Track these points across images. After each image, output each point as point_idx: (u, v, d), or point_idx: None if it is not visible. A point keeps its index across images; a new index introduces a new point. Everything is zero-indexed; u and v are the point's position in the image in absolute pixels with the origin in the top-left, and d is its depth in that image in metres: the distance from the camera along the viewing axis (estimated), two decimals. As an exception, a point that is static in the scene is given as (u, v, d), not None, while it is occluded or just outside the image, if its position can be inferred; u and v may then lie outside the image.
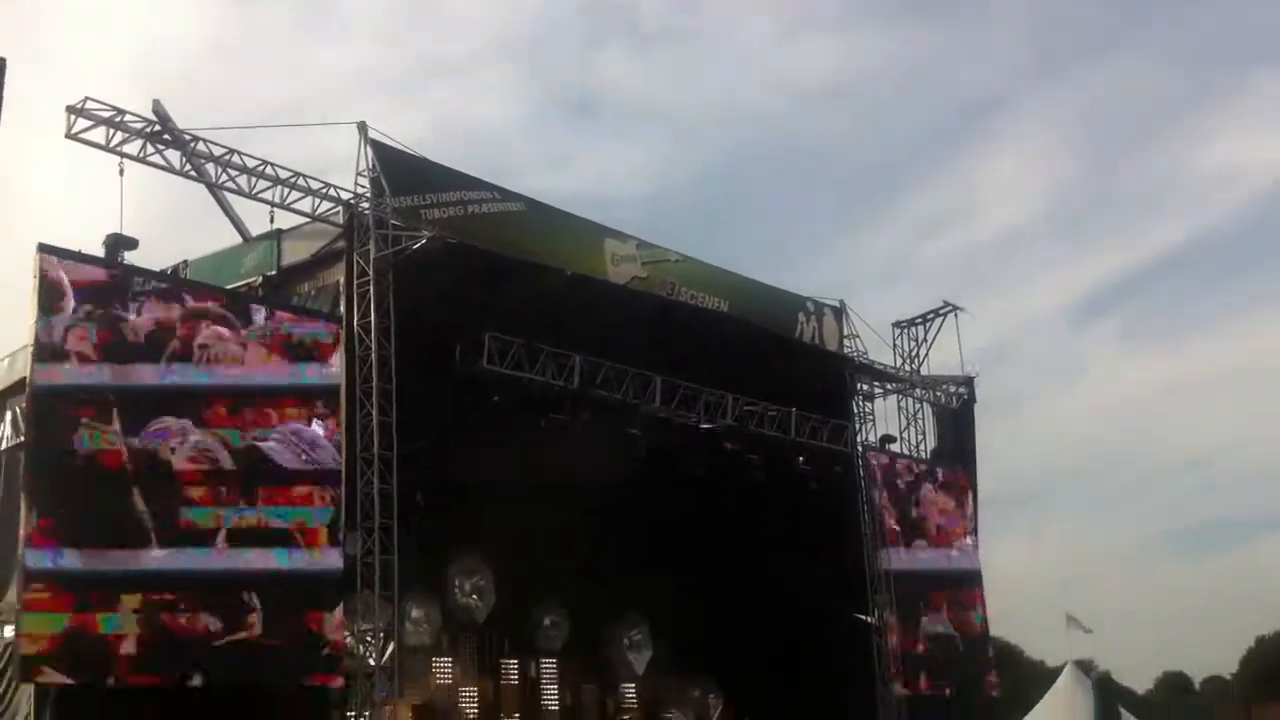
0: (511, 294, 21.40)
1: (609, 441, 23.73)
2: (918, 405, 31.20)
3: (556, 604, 27.35)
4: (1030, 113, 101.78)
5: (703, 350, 24.44)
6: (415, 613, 23.81)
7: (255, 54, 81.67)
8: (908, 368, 30.65)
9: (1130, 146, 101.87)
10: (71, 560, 16.56)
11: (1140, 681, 71.10)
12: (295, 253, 20.92)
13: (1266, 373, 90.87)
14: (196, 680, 17.09)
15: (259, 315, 18.95)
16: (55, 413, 17.08)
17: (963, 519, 30.36)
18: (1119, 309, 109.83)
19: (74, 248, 17.78)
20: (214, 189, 20.09)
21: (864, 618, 28.04)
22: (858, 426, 29.00)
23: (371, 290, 19.82)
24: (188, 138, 19.07)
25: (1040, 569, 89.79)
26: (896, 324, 31.04)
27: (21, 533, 16.61)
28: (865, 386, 29.73)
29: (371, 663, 19.62)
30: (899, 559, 28.30)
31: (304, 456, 18.64)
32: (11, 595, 17.52)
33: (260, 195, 19.93)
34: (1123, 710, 39.40)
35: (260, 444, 18.36)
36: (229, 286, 20.36)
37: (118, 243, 18.18)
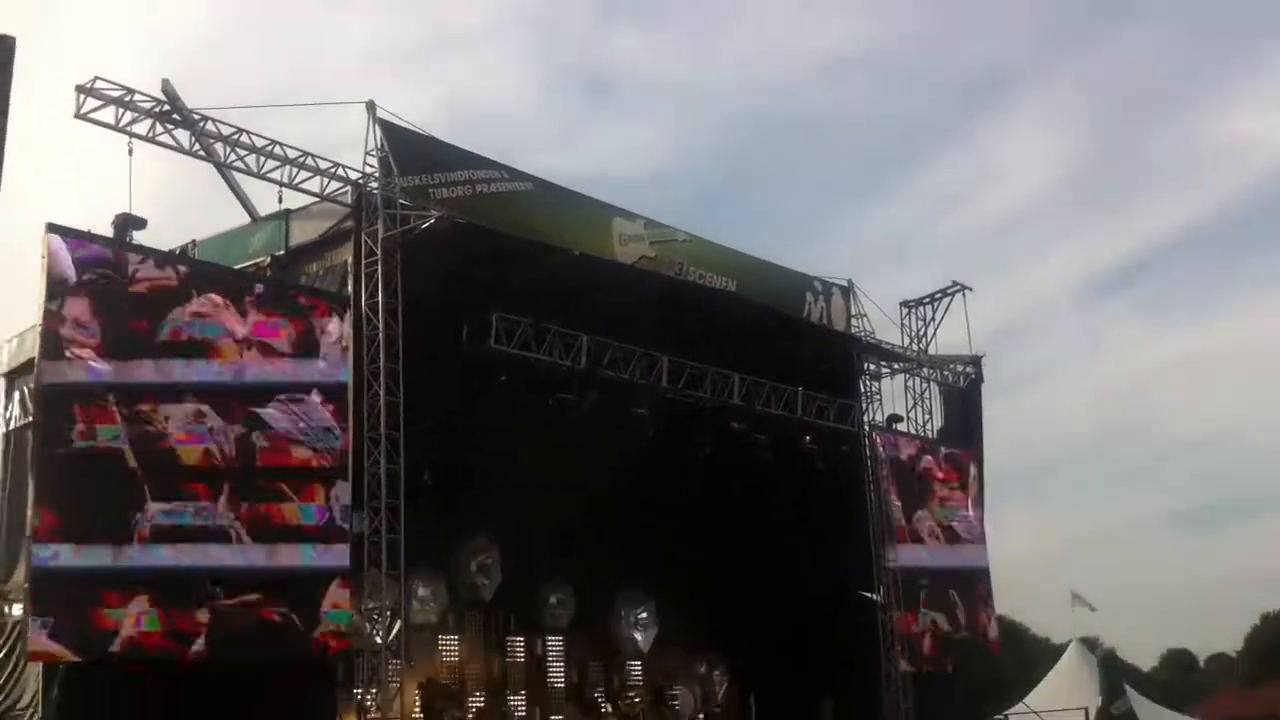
0: (519, 274, 21.40)
1: (616, 421, 23.75)
2: (925, 385, 31.18)
3: (562, 582, 27.48)
4: (1043, 87, 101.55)
5: (710, 330, 24.45)
6: (422, 591, 23.94)
7: (264, 33, 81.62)
8: (915, 347, 30.62)
9: (1143, 122, 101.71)
10: (76, 558, 16.61)
11: (1145, 659, 71.49)
12: (303, 233, 20.92)
13: (1277, 351, 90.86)
14: (199, 645, 17.15)
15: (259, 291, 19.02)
16: (60, 408, 17.08)
17: (966, 497, 30.35)
18: (1130, 287, 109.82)
19: (83, 228, 17.77)
20: (222, 169, 20.05)
21: (869, 595, 28.12)
22: (865, 406, 28.98)
23: (379, 270, 19.82)
24: (196, 117, 19.01)
25: (1046, 547, 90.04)
26: (904, 303, 30.96)
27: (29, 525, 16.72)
28: (872, 366, 29.70)
29: (378, 640, 19.73)
30: (906, 554, 28.28)
31: (301, 424, 18.65)
32: (19, 574, 17.62)
33: (269, 175, 19.90)
34: (1127, 687, 39.57)
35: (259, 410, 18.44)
36: (237, 266, 20.39)
37: (126, 223, 18.21)
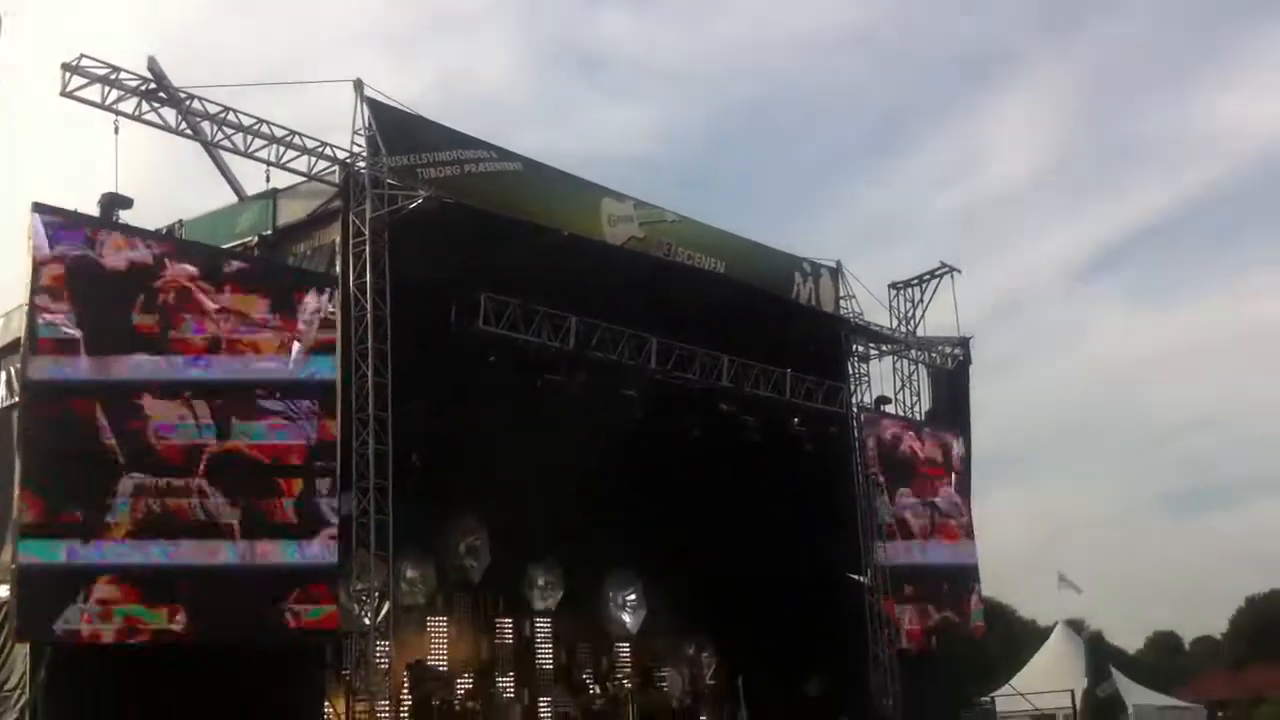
0: (508, 254, 21.31)
1: (605, 402, 23.71)
2: (913, 367, 31.21)
3: (551, 564, 27.48)
4: (1032, 70, 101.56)
5: (699, 311, 24.39)
6: (410, 572, 23.95)
7: (253, 11, 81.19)
8: (903, 329, 30.64)
9: (1132, 105, 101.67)
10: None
11: (1131, 641, 71.87)
12: (291, 212, 20.77)
13: (1268, 335, 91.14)
14: (180, 621, 17.07)
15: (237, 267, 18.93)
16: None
17: (948, 474, 30.40)
18: (1119, 270, 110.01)
19: (71, 208, 17.68)
20: (209, 147, 19.92)
21: (857, 578, 28.17)
22: (853, 388, 29.03)
23: (367, 250, 19.73)
24: (183, 95, 18.86)
25: (1033, 529, 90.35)
26: (893, 285, 30.97)
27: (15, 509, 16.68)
28: (861, 348, 29.69)
29: (366, 622, 19.70)
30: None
31: (282, 410, 18.52)
32: (6, 555, 17.53)
33: (256, 154, 19.75)
34: (1113, 669, 39.73)
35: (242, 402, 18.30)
36: (224, 246, 20.25)
37: (113, 202, 18.05)
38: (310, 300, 19.02)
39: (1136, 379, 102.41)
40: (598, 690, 26.77)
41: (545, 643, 27.80)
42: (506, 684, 26.13)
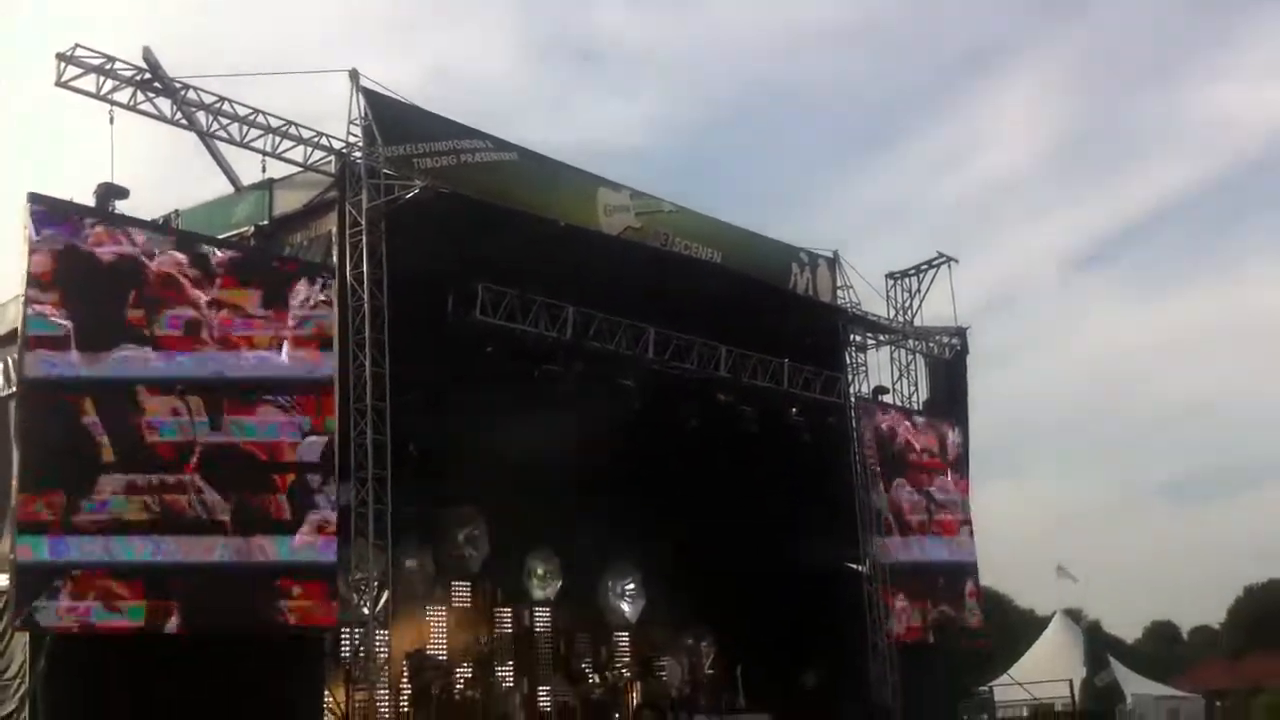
0: (504, 244, 21.32)
1: (602, 393, 23.73)
2: (910, 357, 31.24)
3: (550, 554, 27.48)
4: (1029, 59, 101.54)
5: (696, 301, 24.40)
6: (409, 562, 23.92)
7: (248, 1, 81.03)
8: (901, 319, 30.66)
9: (1129, 93, 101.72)
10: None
11: (1129, 631, 71.87)
12: (287, 202, 20.80)
13: (1265, 323, 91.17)
14: (173, 622, 17.12)
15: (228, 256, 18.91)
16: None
17: (944, 463, 30.41)
18: (1116, 258, 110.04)
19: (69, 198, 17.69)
20: (205, 137, 19.91)
21: (855, 567, 28.21)
22: (850, 378, 29.05)
23: (364, 240, 19.76)
24: (178, 85, 18.88)
25: (1031, 519, 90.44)
26: (890, 275, 30.99)
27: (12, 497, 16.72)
28: (858, 338, 29.73)
29: (365, 611, 19.72)
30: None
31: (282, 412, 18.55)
32: (5, 545, 17.56)
33: (251, 144, 19.78)
34: (1111, 659, 39.77)
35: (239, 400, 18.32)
36: (221, 236, 20.26)
37: (109, 192, 18.03)
38: (301, 289, 19.00)
39: (1134, 368, 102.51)
40: (597, 680, 26.75)
41: (544, 632, 27.82)
42: (505, 673, 26.12)
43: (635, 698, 26.02)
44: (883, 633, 27.58)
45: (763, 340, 26.23)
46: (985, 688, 34.92)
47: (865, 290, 29.24)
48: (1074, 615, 46.04)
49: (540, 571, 27.42)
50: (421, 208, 19.82)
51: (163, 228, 19.53)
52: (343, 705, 19.75)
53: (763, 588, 27.73)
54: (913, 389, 31.05)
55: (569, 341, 22.72)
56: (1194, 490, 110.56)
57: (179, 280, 18.00)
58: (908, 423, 29.99)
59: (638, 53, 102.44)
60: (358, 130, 20.16)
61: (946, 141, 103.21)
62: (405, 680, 22.67)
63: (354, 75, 19.98)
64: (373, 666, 19.69)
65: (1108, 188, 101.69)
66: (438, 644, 25.10)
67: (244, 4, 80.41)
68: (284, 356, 18.61)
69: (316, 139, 20.19)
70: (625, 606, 29.07)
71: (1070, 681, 33.37)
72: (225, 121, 19.45)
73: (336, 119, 20.23)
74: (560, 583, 27.64)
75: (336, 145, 20.27)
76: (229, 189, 21.31)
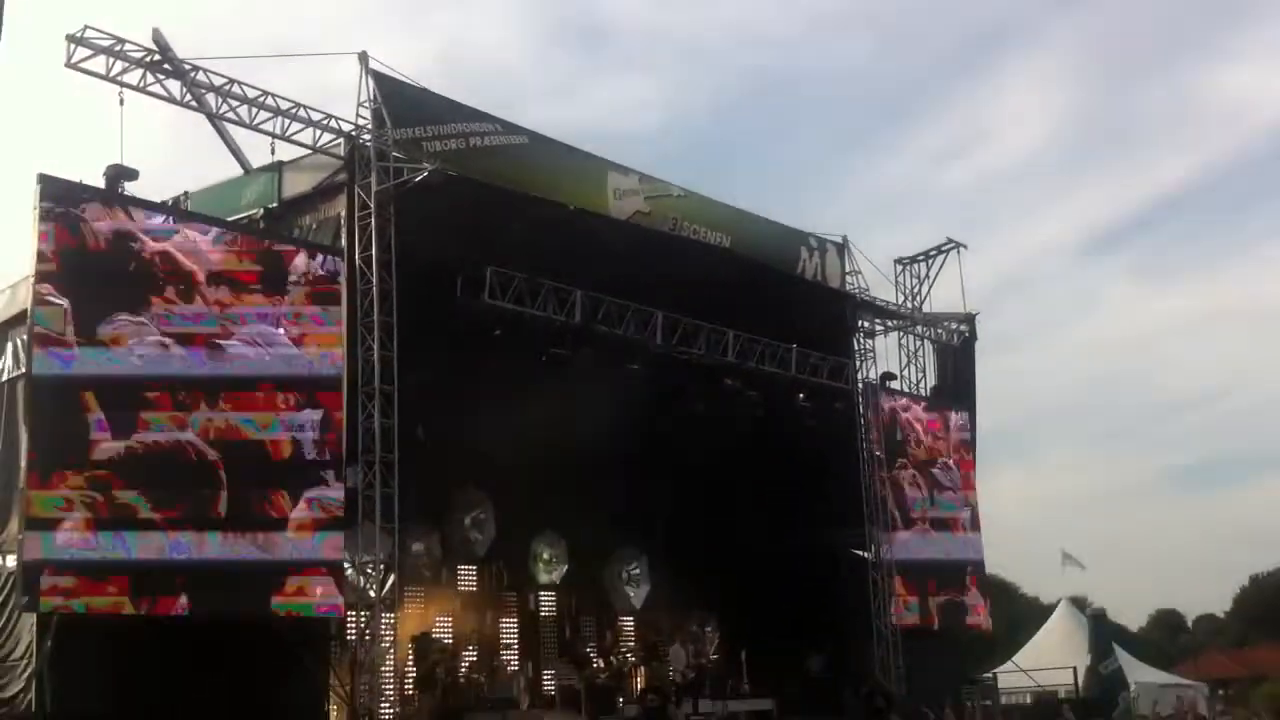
0: (513, 228, 21.28)
1: (610, 377, 23.73)
2: (919, 343, 31.22)
3: (556, 537, 27.52)
4: (1040, 44, 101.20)
5: (704, 286, 24.34)
6: (415, 545, 23.95)
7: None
8: (909, 305, 30.61)
9: (1141, 78, 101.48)
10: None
11: (1134, 619, 71.90)
12: (296, 185, 20.78)
13: (1276, 309, 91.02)
14: (180, 604, 17.21)
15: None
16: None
17: (948, 445, 30.39)
18: (1126, 245, 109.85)
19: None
20: (214, 119, 19.92)
21: (860, 553, 28.24)
22: (858, 364, 29.01)
23: (373, 223, 19.74)
24: (188, 67, 18.87)
25: (1037, 505, 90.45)
26: (899, 261, 30.94)
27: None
28: (866, 323, 29.69)
29: (372, 594, 19.76)
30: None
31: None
32: (13, 526, 17.60)
33: (261, 126, 19.77)
34: (1116, 647, 39.71)
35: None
36: (230, 218, 20.25)
37: (118, 174, 18.04)
38: (300, 261, 18.99)
39: (1143, 355, 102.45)
40: (601, 664, 26.83)
41: (550, 616, 27.88)
42: (511, 657, 26.19)
43: (640, 682, 26.06)
44: (887, 618, 27.60)
45: (771, 325, 26.19)
46: (989, 674, 34.92)
47: (874, 276, 29.25)
48: (1079, 603, 46.02)
49: (546, 556, 27.47)
50: (430, 191, 19.78)
51: (162, 207, 19.50)
52: (349, 687, 19.79)
53: (768, 573, 27.78)
54: (920, 375, 31.11)
55: (577, 325, 22.70)
56: (1202, 478, 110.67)
57: (175, 255, 17.96)
58: (916, 409, 29.97)
59: (647, 37, 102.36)
60: (367, 113, 20.13)
61: (957, 127, 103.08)
62: (410, 663, 22.71)
63: (363, 58, 19.94)
64: (378, 649, 19.72)
65: (1118, 173, 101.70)
66: (443, 627, 25.14)
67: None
68: (282, 332, 18.52)
69: (326, 121, 20.17)
70: (630, 591, 29.14)
71: (1074, 669, 33.37)
72: (234, 103, 19.43)
73: (346, 101, 20.24)
74: (566, 567, 27.70)
75: (346, 128, 20.25)
76: (239, 171, 21.30)
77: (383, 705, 20.68)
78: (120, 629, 16.85)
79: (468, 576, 26.46)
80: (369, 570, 19.75)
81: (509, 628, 27.11)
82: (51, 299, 16.99)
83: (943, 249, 30.67)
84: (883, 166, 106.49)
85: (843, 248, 28.42)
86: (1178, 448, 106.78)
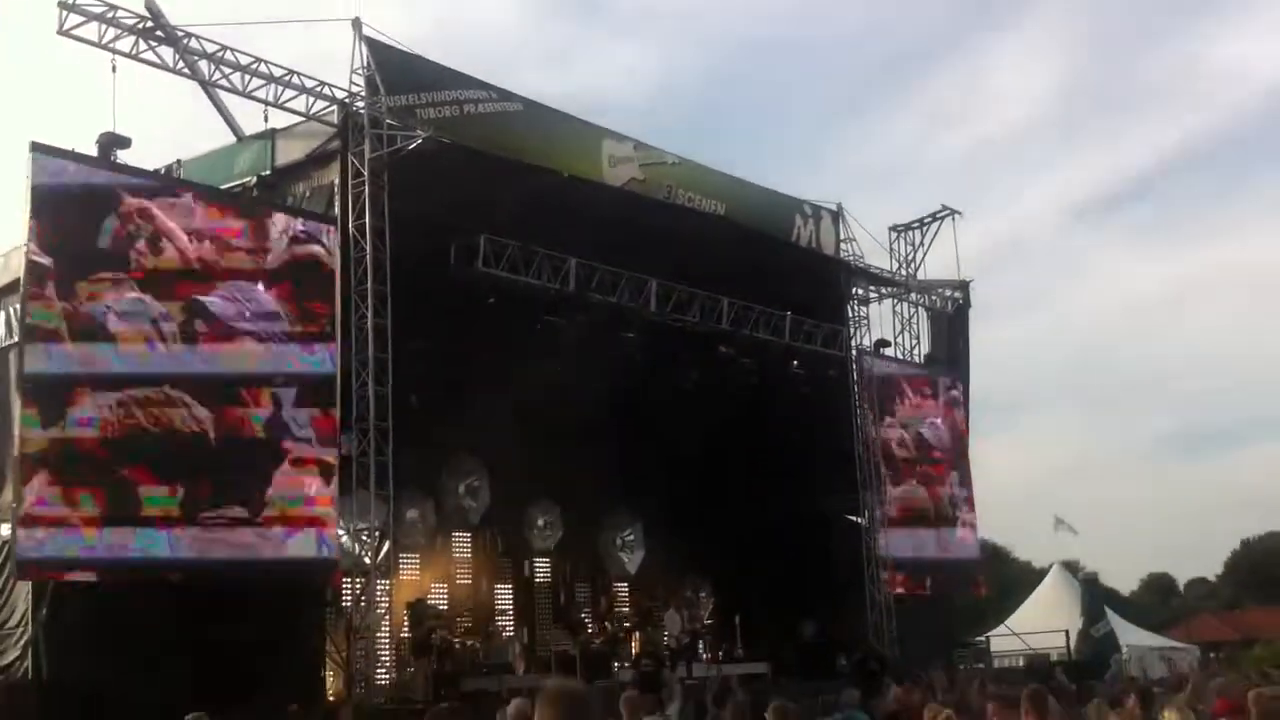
0: (507, 196, 21.23)
1: (604, 344, 23.77)
2: (913, 310, 31.26)
3: (550, 504, 27.60)
4: (1036, 9, 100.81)
5: (699, 254, 24.29)
6: (410, 512, 24.04)
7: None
8: (904, 272, 30.62)
9: (1137, 43, 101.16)
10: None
11: (1126, 583, 72.40)
12: (289, 152, 20.70)
13: (1269, 278, 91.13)
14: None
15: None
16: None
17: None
18: (1120, 211, 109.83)
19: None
20: (207, 87, 19.83)
21: (854, 519, 28.35)
22: (852, 331, 29.06)
23: (366, 191, 19.70)
24: (180, 34, 18.77)
25: (1030, 470, 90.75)
26: (893, 228, 30.94)
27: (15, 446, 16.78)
28: (860, 291, 29.72)
29: (367, 561, 19.84)
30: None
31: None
32: (8, 494, 17.63)
33: (253, 93, 19.69)
34: (1108, 610, 39.93)
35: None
36: (223, 186, 20.22)
37: (111, 142, 17.95)
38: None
39: (1136, 321, 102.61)
40: (596, 629, 26.96)
41: (545, 583, 28.02)
42: (506, 623, 26.32)
43: (634, 647, 26.19)
44: (881, 584, 27.75)
45: (765, 293, 26.18)
46: (981, 638, 35.14)
47: (868, 243, 29.25)
48: (1071, 567, 46.26)
49: (540, 522, 27.56)
50: (424, 158, 19.72)
51: (153, 174, 19.42)
52: (344, 654, 19.90)
53: (762, 539, 27.91)
54: (914, 342, 31.17)
55: (571, 293, 22.68)
56: (1193, 443, 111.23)
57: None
58: (910, 376, 30.04)
59: (644, 2, 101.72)
60: (360, 80, 20.06)
61: (951, 93, 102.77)
62: (405, 629, 22.83)
63: (357, 24, 19.86)
64: (374, 616, 19.82)
65: (1112, 140, 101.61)
66: (438, 594, 25.26)
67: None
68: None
69: (319, 88, 20.09)
70: (625, 557, 29.27)
71: (1066, 632, 33.55)
72: (227, 70, 19.34)
73: (339, 69, 20.18)
74: (560, 533, 27.80)
75: (339, 95, 20.17)
76: (231, 139, 21.24)
77: (379, 671, 20.78)
78: (116, 597, 16.90)
79: (463, 543, 26.59)
80: (364, 537, 19.84)
81: (504, 594, 27.23)
82: (36, 258, 16.92)
83: (937, 216, 30.67)
84: (877, 134, 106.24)
85: (837, 215, 28.40)
86: (1170, 414, 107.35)
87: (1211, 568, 74.29)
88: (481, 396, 22.89)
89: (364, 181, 19.71)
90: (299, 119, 20.30)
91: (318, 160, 20.52)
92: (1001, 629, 36.24)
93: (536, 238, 21.92)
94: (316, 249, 19.11)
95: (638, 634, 26.84)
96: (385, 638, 21.67)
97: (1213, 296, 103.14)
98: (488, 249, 21.27)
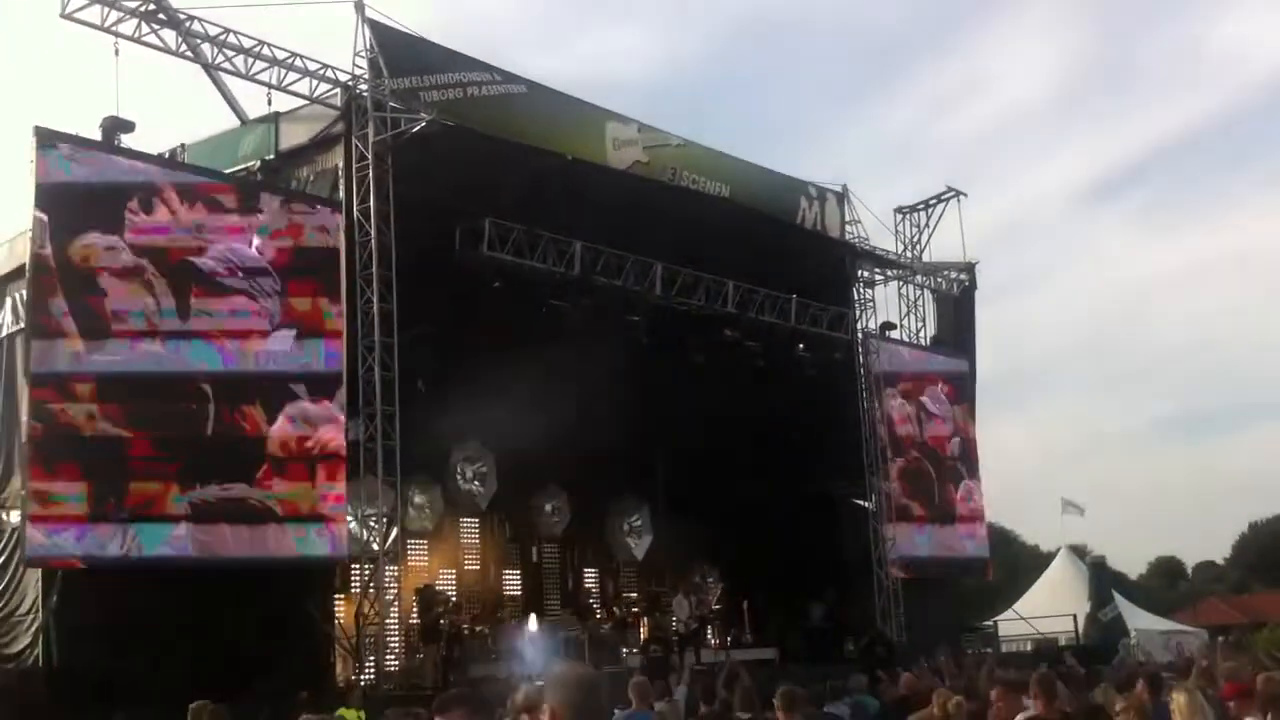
0: (512, 179, 21.13)
1: (609, 328, 23.63)
2: (918, 292, 31.15)
3: (557, 490, 27.55)
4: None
5: (704, 236, 24.20)
6: (418, 498, 24.01)
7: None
8: (909, 254, 30.51)
9: (1142, 25, 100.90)
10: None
11: (1133, 567, 72.31)
12: (293, 136, 20.62)
13: (1273, 260, 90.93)
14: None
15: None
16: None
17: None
18: (1126, 193, 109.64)
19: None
20: (210, 70, 19.76)
21: (862, 503, 28.28)
22: (858, 313, 28.96)
23: (370, 174, 19.62)
24: (183, 17, 18.73)
25: (1037, 453, 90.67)
26: (899, 210, 30.82)
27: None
28: (866, 273, 29.63)
29: (375, 547, 19.79)
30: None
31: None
32: (16, 482, 17.60)
33: (257, 76, 19.64)
34: (1115, 594, 39.89)
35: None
36: (227, 170, 20.13)
37: (114, 125, 17.92)
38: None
39: (1142, 303, 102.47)
40: (604, 615, 26.93)
41: (552, 568, 27.97)
42: (514, 609, 26.26)
43: (642, 633, 26.15)
44: (888, 567, 27.68)
45: (770, 276, 26.07)
46: (989, 622, 35.09)
47: (874, 225, 29.16)
48: (1079, 551, 46.14)
49: (548, 508, 27.53)
50: (428, 141, 19.64)
51: (156, 158, 19.30)
52: (352, 640, 19.86)
53: (769, 524, 27.84)
54: (920, 324, 31.05)
55: (576, 277, 22.58)
56: (1201, 426, 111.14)
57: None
58: (916, 359, 29.93)
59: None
60: (363, 63, 19.97)
61: (957, 75, 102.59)
62: (414, 615, 22.79)
63: (359, 6, 19.76)
64: (382, 601, 19.77)
65: (1117, 122, 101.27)
66: (446, 580, 25.21)
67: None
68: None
69: (322, 71, 20.01)
70: (632, 543, 29.22)
71: (1074, 616, 33.51)
72: (230, 53, 19.29)
73: (342, 51, 20.08)
74: (568, 519, 27.74)
75: (342, 78, 20.09)
76: (235, 122, 21.15)
77: (387, 657, 20.73)
78: (126, 584, 16.89)
79: (470, 529, 26.54)
80: (372, 523, 19.79)
81: (512, 579, 27.18)
82: (41, 250, 16.89)
83: (943, 198, 30.56)
84: (882, 115, 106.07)
85: (842, 197, 28.31)
86: (1177, 396, 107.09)
87: (1220, 551, 74.24)
88: (487, 381, 22.79)
89: (368, 165, 19.63)
90: (302, 102, 20.24)
91: (321, 144, 20.44)
92: (1009, 613, 36.19)
93: (541, 221, 21.81)
94: (314, 214, 19.15)
95: (645, 619, 26.77)
96: (394, 624, 21.58)
97: (1217, 278, 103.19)
98: (492, 233, 21.16)
